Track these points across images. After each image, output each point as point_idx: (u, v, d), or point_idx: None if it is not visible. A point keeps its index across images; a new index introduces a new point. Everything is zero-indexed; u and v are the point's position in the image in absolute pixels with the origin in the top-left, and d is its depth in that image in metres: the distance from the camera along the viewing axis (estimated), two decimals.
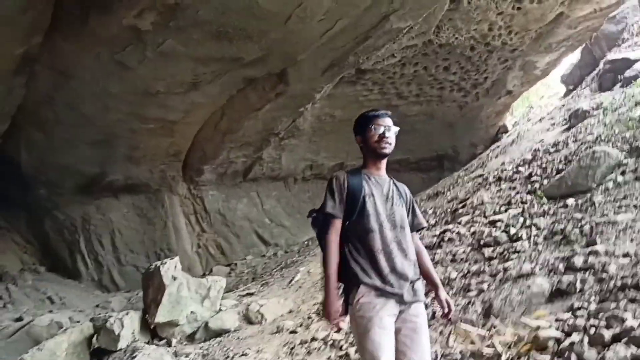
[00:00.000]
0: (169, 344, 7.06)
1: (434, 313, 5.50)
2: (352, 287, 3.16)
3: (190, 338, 7.26)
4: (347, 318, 3.26)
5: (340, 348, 5.81)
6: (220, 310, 7.73)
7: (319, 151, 14.79)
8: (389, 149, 3.37)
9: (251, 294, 8.47)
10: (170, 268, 7.35)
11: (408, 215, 3.46)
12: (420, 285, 3.31)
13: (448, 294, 6.14)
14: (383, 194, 3.35)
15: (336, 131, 13.86)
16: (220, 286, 7.89)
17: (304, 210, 13.73)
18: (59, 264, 12.58)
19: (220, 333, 7.25)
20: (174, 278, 7.28)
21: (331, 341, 6.06)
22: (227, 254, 13.63)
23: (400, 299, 3.17)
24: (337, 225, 3.25)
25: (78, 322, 8.22)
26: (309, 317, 7.12)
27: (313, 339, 6.25)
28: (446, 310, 3.38)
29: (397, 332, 3.16)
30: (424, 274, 3.45)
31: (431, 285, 3.45)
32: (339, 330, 3.29)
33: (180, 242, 13.08)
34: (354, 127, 3.52)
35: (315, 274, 9.06)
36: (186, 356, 6.51)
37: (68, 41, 8.02)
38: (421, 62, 12.88)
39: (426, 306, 3.51)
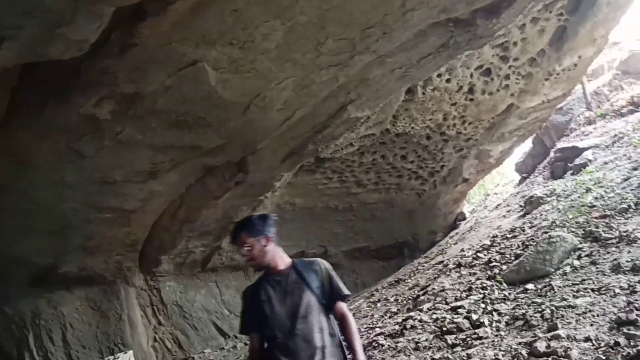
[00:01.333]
0: None
1: None
2: None
3: None
4: None
5: None
6: None
7: (279, 240, 14.68)
8: (253, 262, 3.77)
9: None
10: None
11: (324, 289, 3.70)
12: (329, 357, 3.57)
13: None
14: (281, 292, 3.65)
15: (297, 219, 13.81)
16: None
17: None
18: None
19: None
20: None
21: None
22: (184, 347, 13.09)
23: None
24: (254, 339, 3.70)
25: None
26: None
27: None
28: None
29: None
30: (346, 340, 3.69)
31: (351, 352, 3.65)
32: None
33: (136, 336, 12.55)
34: None
35: None
36: None
37: (24, 130, 7.92)
38: (379, 151, 13.11)
39: None
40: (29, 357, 11.96)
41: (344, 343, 3.72)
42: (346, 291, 3.85)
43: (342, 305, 3.75)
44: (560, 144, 14.13)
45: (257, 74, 7.29)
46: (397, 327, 7.88)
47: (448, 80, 11.58)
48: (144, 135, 8.23)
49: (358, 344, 3.67)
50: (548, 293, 6.50)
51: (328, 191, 13.82)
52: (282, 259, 3.82)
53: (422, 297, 8.78)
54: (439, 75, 11.35)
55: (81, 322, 12.34)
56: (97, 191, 9.58)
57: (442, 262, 11.16)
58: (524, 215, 11.24)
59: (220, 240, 13.06)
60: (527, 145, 16.17)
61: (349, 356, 3.66)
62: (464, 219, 16.40)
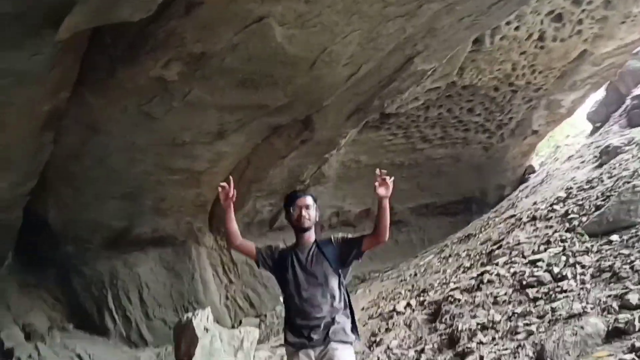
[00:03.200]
0: None
1: None
2: (285, 336, 4.04)
3: None
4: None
5: None
6: None
7: (345, 198, 14.62)
8: (308, 223, 4.08)
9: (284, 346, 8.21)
10: (202, 319, 7.17)
11: (343, 251, 4.07)
12: (341, 329, 3.92)
13: (493, 338, 5.90)
14: (303, 262, 4.02)
15: (361, 177, 13.70)
16: (254, 337, 7.68)
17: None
18: (87, 320, 12.38)
19: None
20: (207, 330, 7.09)
21: None
22: (255, 306, 13.36)
23: (311, 346, 3.86)
24: (252, 246, 4.21)
25: None
26: None
27: None
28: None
29: None
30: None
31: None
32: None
33: (209, 295, 12.85)
34: (283, 205, 4.29)
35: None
36: None
37: (95, 95, 8.04)
38: (445, 105, 12.80)
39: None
40: (109, 315, 12.43)
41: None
42: (365, 232, 4.23)
43: (367, 236, 4.11)
44: (638, 90, 13.44)
45: (323, 28, 7.14)
46: (472, 281, 7.74)
47: (517, 28, 11.11)
48: (212, 96, 8.23)
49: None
50: (636, 244, 6.21)
51: (393, 147, 13.63)
52: (313, 232, 4.16)
53: (496, 252, 8.59)
54: (508, 23, 10.89)
55: (156, 281, 12.69)
56: (167, 153, 9.70)
57: (514, 215, 10.89)
58: (600, 166, 10.82)
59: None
60: (600, 93, 15.48)
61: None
62: (534, 172, 15.94)
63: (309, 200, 4.15)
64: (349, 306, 4.11)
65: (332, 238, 4.16)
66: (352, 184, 14.19)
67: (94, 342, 11.88)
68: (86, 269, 12.28)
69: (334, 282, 4.02)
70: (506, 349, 5.41)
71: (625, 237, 6.54)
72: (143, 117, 8.52)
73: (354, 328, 4.08)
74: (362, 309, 9.53)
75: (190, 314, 7.40)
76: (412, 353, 6.60)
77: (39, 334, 11.09)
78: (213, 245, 13.23)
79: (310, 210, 4.10)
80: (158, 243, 12.45)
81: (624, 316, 4.78)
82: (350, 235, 4.21)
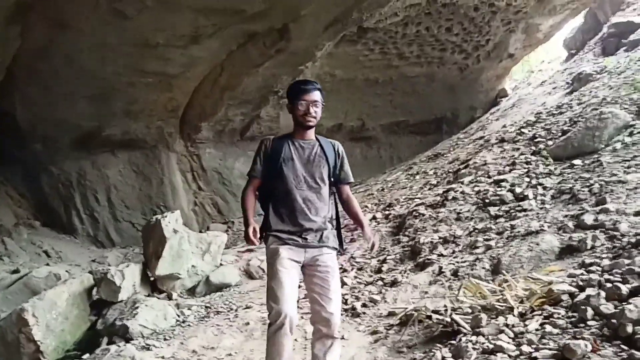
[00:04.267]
0: (169, 297, 7.01)
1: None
2: (266, 236, 3.75)
3: (191, 292, 7.22)
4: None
5: (345, 302, 5.78)
6: (221, 265, 7.68)
7: None
8: (313, 122, 3.81)
9: (251, 251, 8.40)
10: (171, 221, 7.26)
11: (337, 171, 3.94)
12: (331, 235, 3.82)
13: (453, 251, 6.14)
14: (304, 157, 3.81)
15: (336, 91, 13.63)
16: (221, 241, 7.83)
17: None
18: (54, 219, 12.45)
19: (222, 287, 7.22)
20: (175, 231, 7.20)
21: None
22: (223, 212, 13.55)
23: (304, 246, 3.70)
24: (254, 183, 3.84)
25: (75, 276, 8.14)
26: None
27: None
28: (369, 245, 3.89)
29: (310, 278, 3.71)
30: (353, 217, 4.04)
31: (358, 225, 4.04)
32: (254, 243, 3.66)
33: (177, 200, 12.97)
34: (287, 95, 3.92)
35: None
36: (189, 308, 6.48)
37: None
38: (424, 22, 12.63)
39: (341, 252, 4.01)
40: (76, 215, 12.50)
41: (346, 222, 4.14)
42: (351, 179, 4.10)
43: (348, 188, 4.05)
44: (615, 19, 13.42)
45: None
46: (437, 198, 7.94)
47: None
48: None
49: (365, 218, 3.97)
50: (596, 168, 6.41)
51: (369, 63, 13.51)
52: (313, 130, 3.93)
53: (463, 171, 8.77)
54: None
55: (125, 184, 12.73)
56: (139, 54, 9.52)
57: (483, 137, 11.06)
58: (571, 92, 10.93)
59: (259, 109, 13.05)
60: (578, 20, 15.41)
61: (357, 231, 3.94)
62: (506, 95, 16.03)
63: (317, 95, 3.79)
64: (336, 217, 3.95)
65: (336, 147, 3.96)
66: (326, 97, 14.12)
67: (61, 240, 12.00)
68: (54, 168, 12.24)
69: (328, 188, 3.86)
70: (464, 262, 5.65)
71: (587, 162, 6.73)
72: (115, 15, 8.29)
73: (340, 239, 3.96)
74: None
75: (159, 216, 7.48)
76: (374, 262, 6.84)
77: (5, 229, 11.13)
78: (183, 152, 13.24)
79: (318, 107, 3.79)
80: (128, 146, 12.41)
81: (578, 235, 5.01)
82: (346, 163, 4.03)
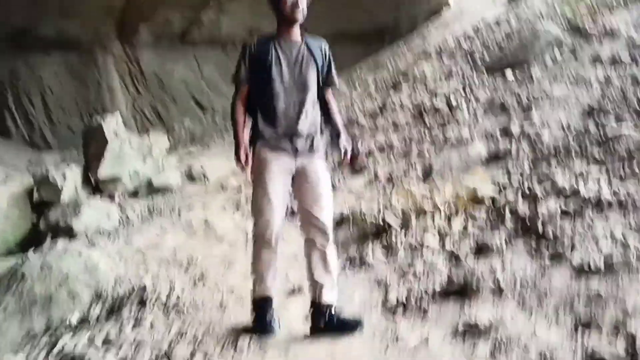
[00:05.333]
0: (111, 200, 7.13)
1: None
2: (254, 142, 3.49)
3: (133, 194, 7.35)
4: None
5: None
6: (163, 168, 7.79)
7: (261, 17, 14.35)
8: (301, 17, 3.47)
9: (192, 155, 8.53)
10: (112, 124, 7.29)
11: (323, 73, 3.63)
12: (320, 141, 3.60)
13: (389, 158, 6.45)
14: (291, 59, 3.52)
15: None
16: (163, 145, 7.93)
17: None
18: None
19: (164, 190, 7.36)
20: (116, 134, 7.24)
21: None
22: (163, 118, 13.43)
23: (293, 153, 3.46)
24: (243, 91, 3.56)
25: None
26: None
27: None
28: (342, 154, 3.59)
29: (301, 186, 3.50)
30: (331, 121, 3.69)
31: (334, 130, 3.69)
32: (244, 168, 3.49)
33: (115, 104, 12.74)
34: None
35: None
36: (132, 209, 6.63)
37: None
38: None
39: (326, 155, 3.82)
40: (10, 116, 12.21)
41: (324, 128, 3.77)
42: (337, 83, 3.87)
43: (331, 92, 3.79)
44: None
45: None
46: (376, 107, 8.17)
47: None
48: None
49: (342, 124, 3.78)
50: (527, 82, 6.73)
51: None
52: (299, 29, 3.62)
53: (401, 81, 8.99)
54: None
55: (60, 86, 12.43)
56: None
57: (423, 48, 11.23)
58: (510, 6, 11.12)
59: (199, 12, 12.77)
60: None
61: (330, 135, 3.71)
62: (448, 5, 16.08)
63: None
64: (322, 123, 3.69)
65: (323, 47, 3.64)
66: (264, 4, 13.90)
67: None
68: None
69: (316, 92, 3.61)
70: (399, 168, 5.96)
71: (519, 75, 7.03)
72: None
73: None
74: None
75: (99, 118, 7.46)
76: None
77: None
78: (121, 54, 12.91)
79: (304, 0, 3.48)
80: (63, 47, 12.02)
81: (504, 144, 5.36)
82: (333, 65, 3.71)
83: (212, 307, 4.18)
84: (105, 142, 7.08)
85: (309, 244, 3.51)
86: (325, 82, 3.67)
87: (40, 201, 6.79)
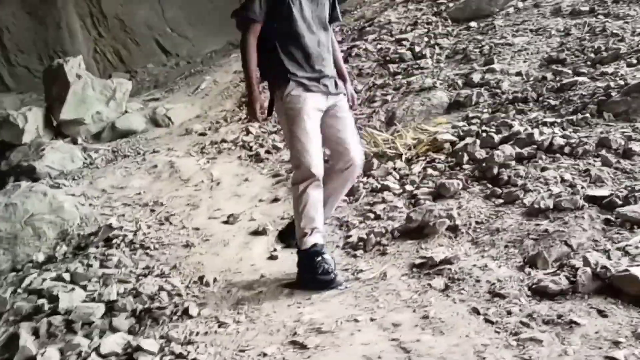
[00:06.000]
0: (74, 142, 7.09)
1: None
2: (282, 83, 3.30)
3: (96, 137, 7.33)
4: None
5: (250, 149, 6.13)
6: (126, 112, 7.74)
7: None
8: None
9: (156, 99, 8.48)
10: (74, 66, 7.18)
11: (331, 10, 3.53)
12: (339, 81, 3.52)
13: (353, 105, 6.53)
14: None
15: None
16: (126, 88, 7.84)
17: (207, 21, 13.28)
18: None
19: (127, 134, 7.34)
20: (79, 77, 7.15)
21: (241, 142, 6.36)
22: (125, 61, 13.18)
23: (326, 93, 3.36)
24: (257, 29, 3.32)
25: None
26: (217, 122, 7.33)
27: (223, 141, 6.52)
28: (351, 102, 3.65)
29: (333, 122, 3.43)
30: (336, 68, 3.58)
31: (341, 79, 3.62)
32: (265, 120, 3.42)
33: (76, 46, 12.44)
34: None
35: (222, 83, 9.11)
36: (96, 152, 6.63)
37: None
38: None
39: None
40: None
41: None
42: (341, 19, 3.89)
43: (332, 31, 3.68)
44: None
45: None
46: (342, 54, 8.18)
47: None
48: None
49: (344, 67, 3.76)
50: (489, 31, 6.84)
51: None
52: None
53: (367, 29, 9.00)
54: None
55: (18, 26, 12.08)
56: None
57: None
58: None
59: None
60: None
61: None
62: None
63: None
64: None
65: None
66: None
67: None
68: None
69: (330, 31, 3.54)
70: (362, 114, 6.06)
71: (482, 25, 7.14)
72: None
73: None
74: (235, 72, 9.86)
75: (61, 60, 7.35)
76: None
77: None
78: None
79: None
80: None
81: (465, 92, 5.51)
82: (337, 3, 3.61)
83: (178, 245, 4.29)
84: (67, 84, 6.99)
85: (349, 170, 3.45)
86: (332, 19, 3.58)
87: (1, 142, 6.73)
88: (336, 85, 3.44)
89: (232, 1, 13.68)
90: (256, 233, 4.37)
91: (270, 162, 5.81)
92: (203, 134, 6.96)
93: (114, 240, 4.36)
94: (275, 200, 4.92)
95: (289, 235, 3.57)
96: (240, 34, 3.40)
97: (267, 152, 6.04)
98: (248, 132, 6.58)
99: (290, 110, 3.30)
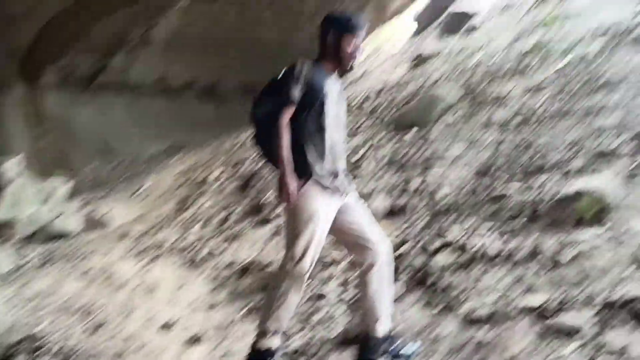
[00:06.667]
0: (6, 243, 6.86)
1: None
2: (301, 176, 3.25)
3: (31, 239, 7.10)
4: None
5: (190, 253, 6.05)
6: (62, 213, 7.58)
7: (172, 65, 14.39)
8: (355, 61, 3.46)
9: (96, 200, 8.36)
10: (11, 166, 7.06)
11: None
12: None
13: None
14: (334, 95, 3.42)
15: (192, 46, 13.55)
16: (65, 189, 7.74)
17: (150, 124, 13.41)
18: None
19: (62, 235, 7.16)
20: (16, 176, 7.01)
21: (180, 246, 6.29)
22: (67, 161, 13.03)
23: (342, 193, 3.38)
24: (290, 112, 3.26)
25: None
26: (157, 225, 7.25)
27: (162, 244, 6.43)
28: None
29: (349, 216, 3.41)
30: None
31: None
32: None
33: (17, 146, 12.30)
34: (335, 22, 3.46)
35: (164, 185, 9.11)
36: (28, 254, 6.42)
37: None
38: None
39: None
40: None
41: None
42: None
43: None
44: (455, 4, 14.45)
45: None
46: None
47: None
48: None
49: None
50: (425, 142, 7.13)
51: (225, 24, 13.53)
52: None
53: None
54: None
55: None
56: None
57: None
58: (412, 69, 11.74)
59: (109, 57, 12.68)
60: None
61: None
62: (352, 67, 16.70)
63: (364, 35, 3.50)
64: None
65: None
66: (181, 52, 13.96)
67: None
68: None
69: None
70: None
71: (419, 135, 7.44)
72: None
73: None
74: (178, 174, 9.89)
75: None
76: (219, 217, 7.13)
77: None
78: (24, 94, 12.54)
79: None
80: None
81: (403, 199, 5.67)
82: None
83: (108, 355, 4.12)
84: (3, 183, 6.85)
85: (378, 264, 3.35)
86: None
87: None
88: (348, 181, 3.49)
89: (173, 106, 14.05)
90: (192, 342, 4.25)
91: (210, 266, 5.74)
92: (142, 237, 6.86)
93: (41, 350, 4.15)
94: (213, 306, 4.82)
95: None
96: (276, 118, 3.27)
97: (207, 255, 5.98)
98: (188, 236, 6.53)
99: (307, 206, 3.23)
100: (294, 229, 3.25)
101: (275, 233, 6.05)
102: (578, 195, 4.51)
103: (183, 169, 10.22)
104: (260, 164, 8.54)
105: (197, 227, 6.90)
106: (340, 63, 3.43)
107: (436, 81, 9.15)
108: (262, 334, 3.21)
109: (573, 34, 8.52)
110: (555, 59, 8.05)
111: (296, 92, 3.25)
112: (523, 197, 5.00)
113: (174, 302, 5.03)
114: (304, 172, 3.26)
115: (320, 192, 3.26)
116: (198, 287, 5.27)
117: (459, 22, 13.19)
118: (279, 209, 6.70)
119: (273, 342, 3.21)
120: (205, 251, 6.06)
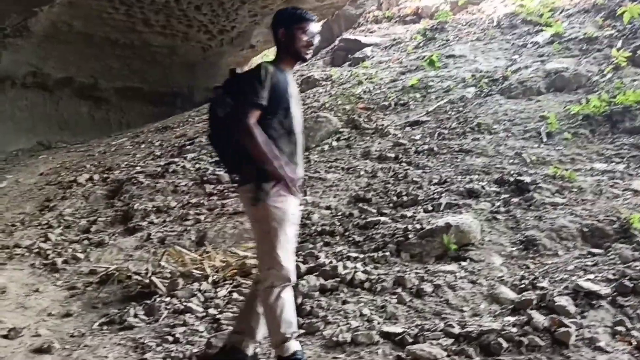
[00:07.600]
0: None
1: None
2: (268, 182, 3.12)
3: None
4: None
5: (47, 257, 5.69)
6: None
7: (47, 60, 13.64)
8: (312, 51, 3.37)
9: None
10: None
11: None
12: None
13: (165, 221, 6.41)
14: (297, 95, 3.37)
15: (72, 43, 12.93)
16: None
17: (17, 119, 12.66)
18: None
19: None
20: None
21: (37, 249, 5.89)
22: None
23: (300, 196, 3.36)
24: (257, 114, 3.12)
25: None
26: (12, 225, 6.78)
27: (16, 246, 6.01)
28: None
29: None
30: None
31: None
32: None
33: None
34: (280, 19, 3.34)
35: (25, 184, 8.56)
36: None
37: None
38: None
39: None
40: None
41: None
42: None
43: None
44: (346, 35, 14.87)
45: None
46: (158, 169, 8.11)
47: None
48: None
49: None
50: (305, 165, 7.19)
51: (112, 22, 13.06)
52: None
53: (188, 147, 9.06)
54: None
55: None
56: None
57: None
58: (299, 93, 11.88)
59: None
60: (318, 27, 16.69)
61: None
62: None
63: (317, 27, 3.39)
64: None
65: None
66: (58, 47, 13.28)
67: None
68: None
69: None
70: (173, 231, 5.95)
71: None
72: None
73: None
74: (42, 174, 9.33)
75: None
76: (83, 222, 6.78)
77: None
78: None
79: (317, 39, 3.36)
80: None
81: None
82: None
83: None
84: None
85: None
86: None
87: None
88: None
89: (44, 103, 13.31)
90: (39, 351, 3.93)
91: (67, 273, 5.41)
92: None
93: None
94: (67, 315, 4.51)
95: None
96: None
97: (65, 262, 5.64)
98: (47, 239, 6.15)
99: (277, 210, 3.13)
100: (268, 232, 3.16)
101: (144, 243, 5.83)
102: (444, 229, 4.70)
103: (49, 170, 9.66)
104: (133, 171, 8.25)
105: (57, 231, 6.51)
106: (298, 56, 3.31)
107: (321, 106, 9.28)
108: (283, 341, 3.13)
109: (452, 77, 9.00)
110: (435, 98, 8.46)
111: (264, 95, 3.13)
112: (392, 227, 5.14)
113: (23, 308, 4.66)
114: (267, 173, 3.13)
115: (288, 194, 3.18)
116: (52, 293, 4.93)
117: (347, 52, 13.56)
118: (150, 219, 6.49)
119: (296, 344, 3.17)
120: (64, 257, 5.71)
